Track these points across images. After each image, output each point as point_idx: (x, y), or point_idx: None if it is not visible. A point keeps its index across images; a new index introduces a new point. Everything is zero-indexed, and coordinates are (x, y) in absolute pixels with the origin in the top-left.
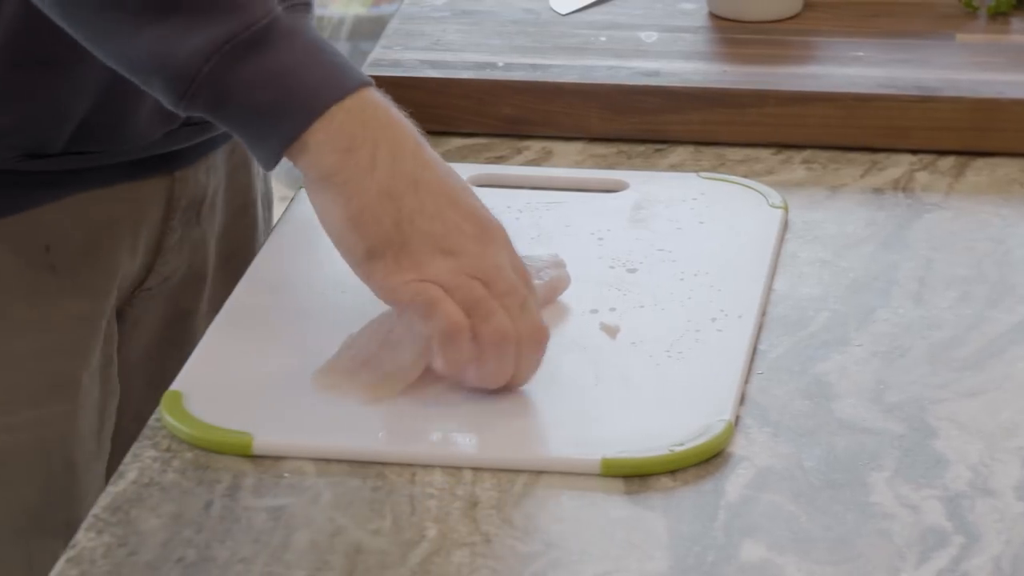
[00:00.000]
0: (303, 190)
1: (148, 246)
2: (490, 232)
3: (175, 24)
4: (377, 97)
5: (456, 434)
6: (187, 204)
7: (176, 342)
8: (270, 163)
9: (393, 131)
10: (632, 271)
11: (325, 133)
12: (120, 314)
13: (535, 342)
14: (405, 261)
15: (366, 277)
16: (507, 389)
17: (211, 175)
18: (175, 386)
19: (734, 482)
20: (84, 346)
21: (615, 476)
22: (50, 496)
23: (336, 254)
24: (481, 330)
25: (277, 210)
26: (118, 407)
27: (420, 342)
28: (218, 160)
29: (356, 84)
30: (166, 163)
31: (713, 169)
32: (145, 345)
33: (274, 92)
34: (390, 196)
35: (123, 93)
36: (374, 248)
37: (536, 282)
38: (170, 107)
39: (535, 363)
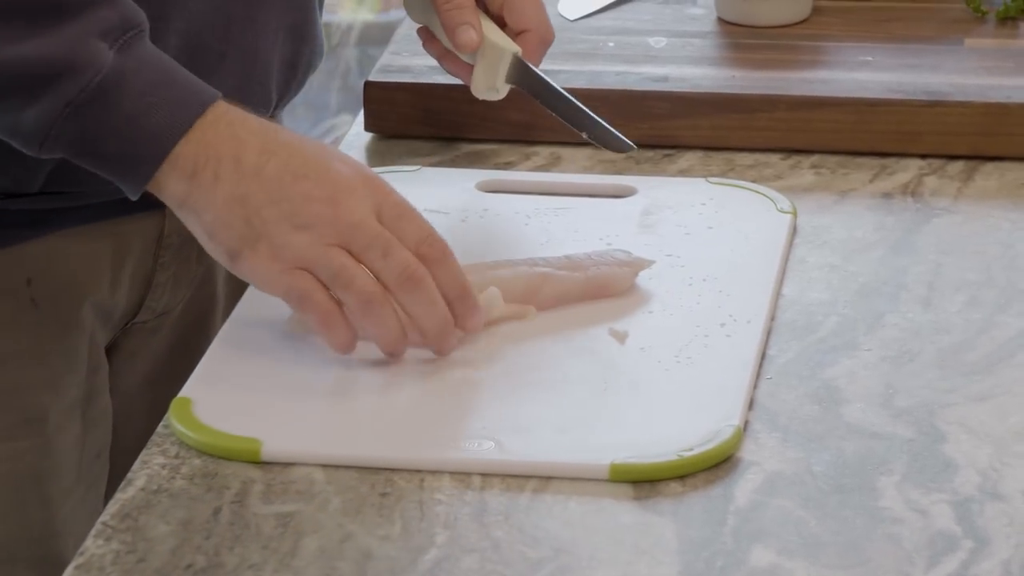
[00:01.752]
0: None
1: (136, 281)
2: (342, 190)
3: (12, 99)
4: (219, 111)
5: (465, 440)
6: (181, 242)
7: (181, 374)
8: (135, 196)
9: (235, 140)
10: (641, 276)
11: (171, 166)
12: (114, 346)
13: (408, 283)
14: (264, 251)
15: (241, 276)
16: (426, 342)
17: None
18: (184, 393)
19: (743, 487)
20: (58, 380)
21: (624, 481)
22: (24, 531)
23: None
24: (347, 299)
25: None
26: (117, 437)
27: None
28: None
29: (197, 110)
30: (156, 202)
31: (722, 174)
32: (145, 377)
33: (119, 144)
34: (236, 200)
35: None
36: (232, 250)
37: (592, 271)
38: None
39: (423, 303)
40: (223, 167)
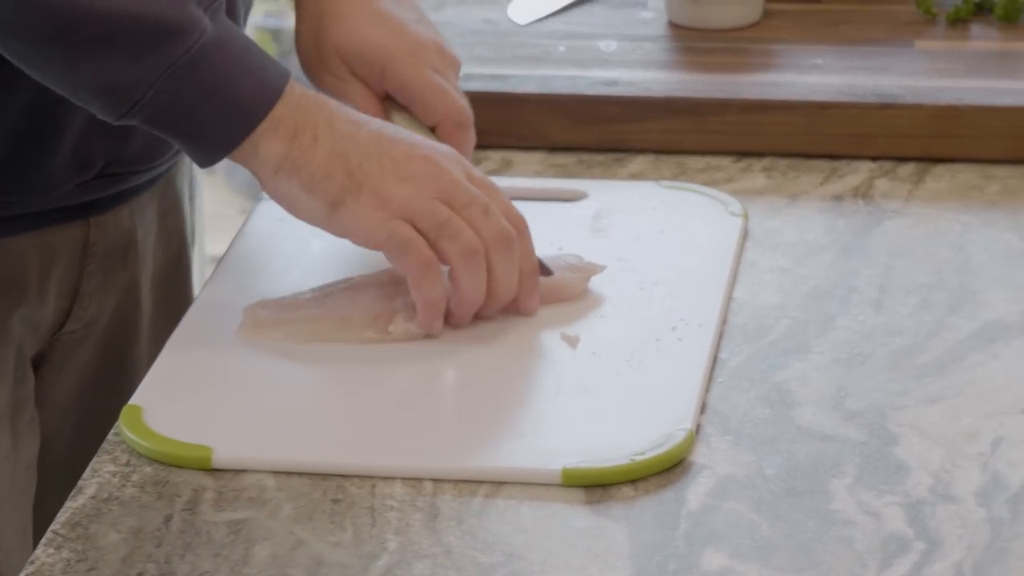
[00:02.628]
0: (261, 204)
1: (63, 291)
2: (438, 152)
3: (116, 55)
4: (299, 85)
5: (416, 445)
6: (107, 250)
7: (111, 384)
8: (209, 164)
9: (325, 110)
10: (592, 281)
11: (271, 128)
12: (42, 357)
13: (503, 244)
14: (367, 200)
15: (338, 229)
16: (491, 308)
17: (136, 220)
18: (134, 400)
19: (695, 491)
20: None
21: (576, 486)
22: None
23: (293, 268)
24: (451, 249)
25: (236, 221)
26: (45, 446)
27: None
28: (144, 204)
29: (285, 79)
30: (81, 212)
31: (673, 178)
32: (75, 387)
33: (215, 105)
34: (336, 155)
35: (31, 144)
36: (335, 200)
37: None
38: (104, 119)
39: (509, 267)
40: (320, 130)
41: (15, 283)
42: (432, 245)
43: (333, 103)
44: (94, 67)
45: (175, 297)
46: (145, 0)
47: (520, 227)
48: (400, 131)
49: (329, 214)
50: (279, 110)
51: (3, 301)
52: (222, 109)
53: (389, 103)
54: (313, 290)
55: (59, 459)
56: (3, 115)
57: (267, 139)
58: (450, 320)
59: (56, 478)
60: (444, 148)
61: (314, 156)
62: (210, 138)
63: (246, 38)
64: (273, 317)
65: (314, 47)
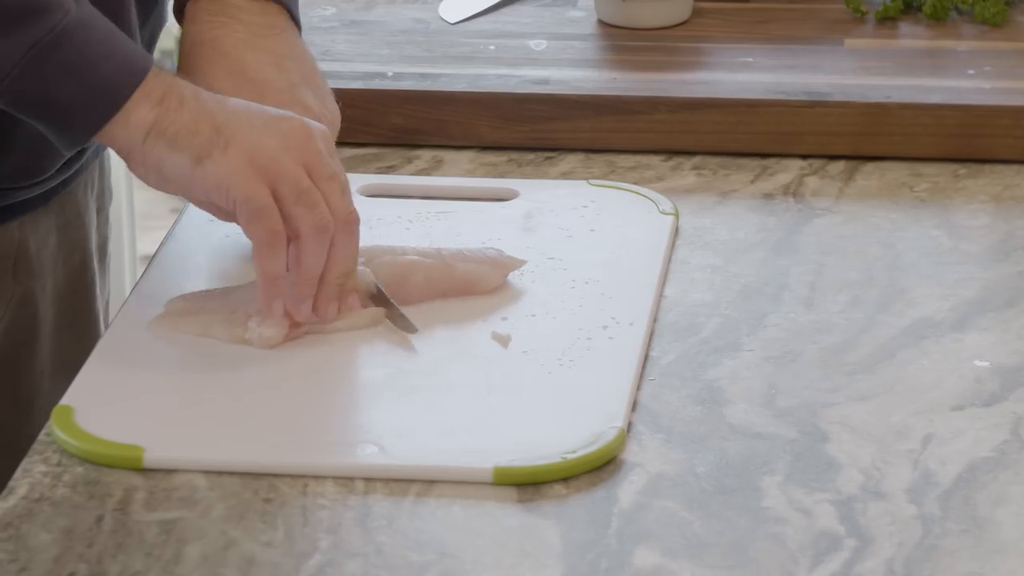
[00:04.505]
0: (192, 204)
1: None
2: (308, 124)
3: None
4: (167, 73)
5: (348, 444)
6: None
7: (10, 394)
8: (73, 146)
9: (191, 85)
10: (523, 279)
11: (143, 99)
12: None
13: (351, 226)
14: (234, 154)
15: (203, 184)
16: (322, 292)
17: (28, 232)
18: (65, 400)
19: (627, 489)
20: None
21: (507, 484)
22: None
23: (224, 267)
24: (305, 219)
25: (167, 222)
26: None
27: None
28: (38, 218)
29: (149, 62)
30: None
31: (603, 176)
32: None
33: (79, 85)
34: (204, 113)
35: None
36: (200, 153)
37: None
38: None
39: (349, 251)
40: (187, 96)
41: None
42: (287, 211)
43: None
44: None
45: (79, 309)
46: None
47: (356, 222)
48: (267, 107)
49: (194, 168)
50: (148, 81)
51: None
52: (85, 90)
53: None
54: (229, 286)
55: None
56: None
57: (138, 106)
58: (288, 310)
59: None
60: (315, 122)
61: (180, 116)
62: (74, 119)
63: (111, 24)
64: (183, 308)
65: None
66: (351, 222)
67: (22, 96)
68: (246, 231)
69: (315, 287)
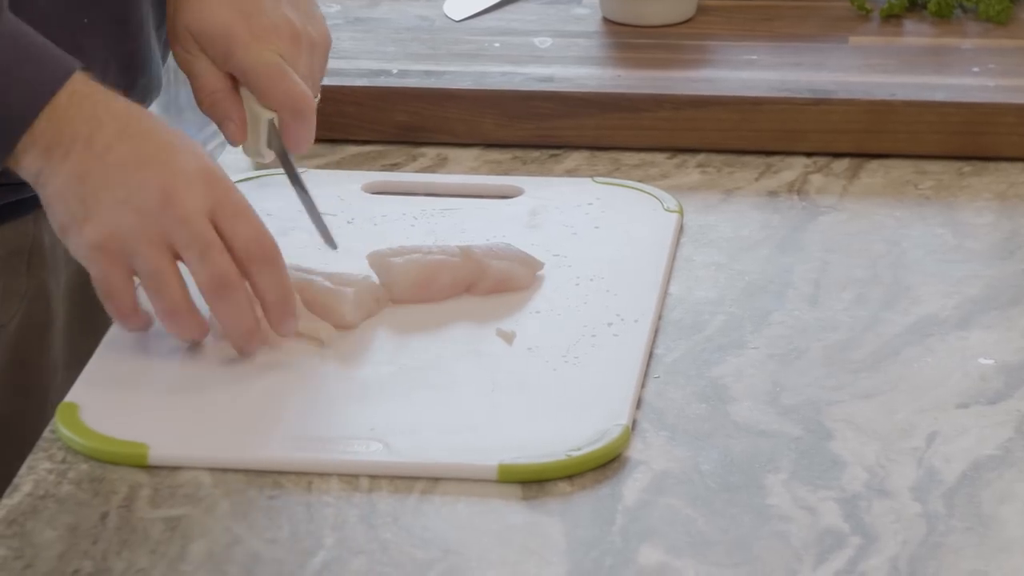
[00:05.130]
0: None
1: None
2: (181, 183)
3: None
4: (80, 87)
5: (353, 441)
6: (7, 254)
7: (20, 391)
8: None
9: (94, 121)
10: None
11: (31, 141)
12: None
13: (219, 289)
14: (90, 232)
15: (69, 249)
16: (236, 346)
17: (43, 227)
18: (70, 398)
19: (631, 486)
20: None
21: (512, 482)
22: None
23: None
24: (156, 305)
25: None
26: None
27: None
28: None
29: (53, 87)
30: None
31: (608, 174)
32: None
33: None
34: (77, 177)
35: None
36: (63, 225)
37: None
38: None
39: (231, 309)
40: (75, 146)
41: None
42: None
43: (111, 109)
44: None
45: (93, 304)
46: None
47: (268, 255)
48: (160, 151)
49: (61, 235)
50: (41, 123)
51: None
52: None
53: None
54: None
55: None
56: None
57: (26, 155)
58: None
59: None
60: (197, 169)
61: (58, 174)
62: None
63: (17, 42)
64: None
65: (169, 22)
66: (218, 285)
67: None
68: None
69: (249, 327)
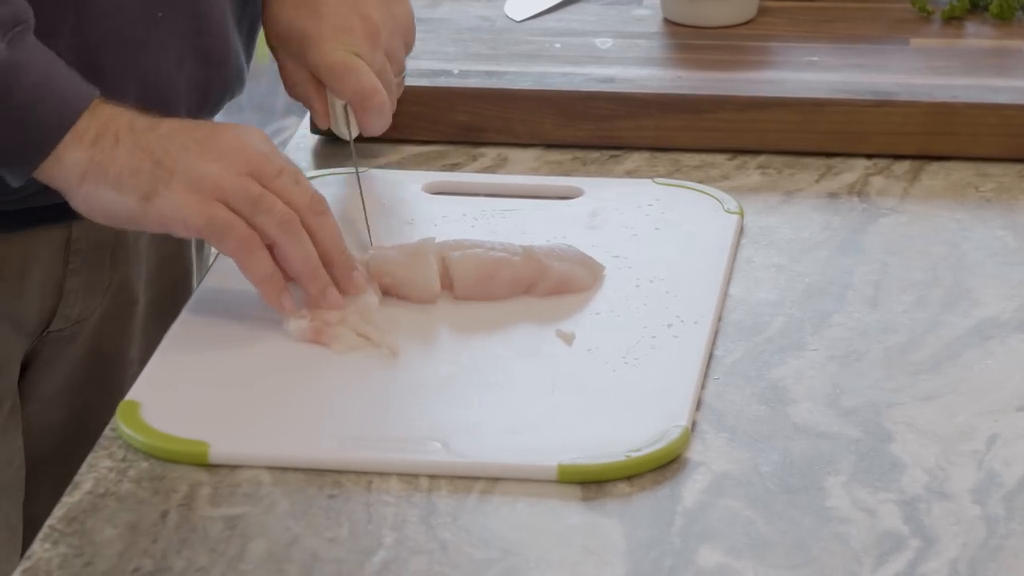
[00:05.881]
0: None
1: (46, 289)
2: (239, 129)
3: None
4: (107, 104)
5: (413, 442)
6: (91, 248)
7: (100, 381)
8: (17, 183)
9: (127, 115)
10: None
11: (74, 141)
12: (32, 354)
13: (319, 207)
14: (179, 186)
15: (156, 220)
16: (334, 272)
17: None
18: (131, 396)
19: (691, 488)
20: None
21: (572, 483)
22: None
23: None
24: (268, 223)
25: None
26: (35, 443)
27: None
28: None
29: (87, 99)
30: (62, 213)
31: (668, 175)
32: (65, 384)
33: (12, 131)
34: (140, 148)
35: None
36: (146, 191)
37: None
38: None
39: (329, 230)
40: (121, 131)
41: None
42: (249, 222)
43: (132, 112)
44: None
45: (172, 296)
46: None
47: (326, 208)
48: (201, 121)
49: (144, 207)
50: (80, 123)
51: None
52: (16, 133)
53: None
54: None
55: (49, 456)
56: None
57: (68, 150)
58: (311, 300)
59: (46, 475)
60: (246, 126)
61: (118, 155)
62: (13, 161)
63: (49, 61)
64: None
65: (264, 24)
66: (316, 205)
67: None
68: (219, 249)
69: (322, 275)
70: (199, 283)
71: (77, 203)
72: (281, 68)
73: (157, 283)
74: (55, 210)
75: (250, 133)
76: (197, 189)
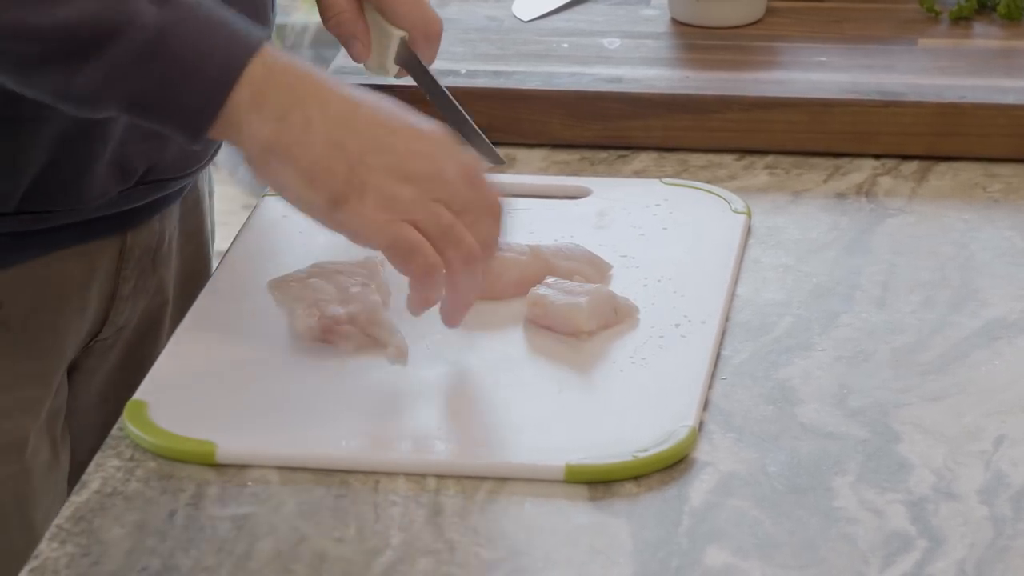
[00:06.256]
0: (265, 200)
1: (101, 299)
2: (435, 143)
3: (58, 67)
4: (278, 52)
5: (420, 441)
6: (141, 252)
7: (132, 386)
8: (193, 143)
9: (313, 85)
10: None
11: (254, 112)
12: (75, 365)
13: (493, 249)
14: (371, 201)
15: (338, 227)
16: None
17: (166, 222)
18: (139, 395)
19: (698, 488)
20: (33, 404)
21: (579, 482)
22: (9, 558)
23: (297, 263)
24: (454, 256)
25: (240, 217)
26: (72, 453)
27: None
28: (172, 206)
29: (252, 51)
30: (119, 222)
31: (676, 175)
32: (100, 392)
33: (177, 91)
34: (335, 144)
35: (77, 151)
36: (337, 197)
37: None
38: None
39: (495, 268)
40: (311, 112)
41: (58, 296)
42: (436, 248)
43: (321, 76)
44: (46, 80)
45: (194, 295)
46: (79, 4)
47: (499, 213)
48: (393, 113)
49: (331, 210)
50: (257, 86)
51: (47, 314)
52: (184, 95)
53: (367, 2)
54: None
55: (83, 464)
56: (46, 121)
57: (250, 120)
58: (444, 318)
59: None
60: (439, 137)
61: (311, 144)
62: (183, 122)
63: (210, 14)
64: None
65: None
66: (493, 245)
67: (126, 109)
68: (399, 270)
69: (469, 307)
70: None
71: (259, 175)
72: None
73: (185, 283)
74: (112, 220)
75: (444, 152)
76: (388, 208)
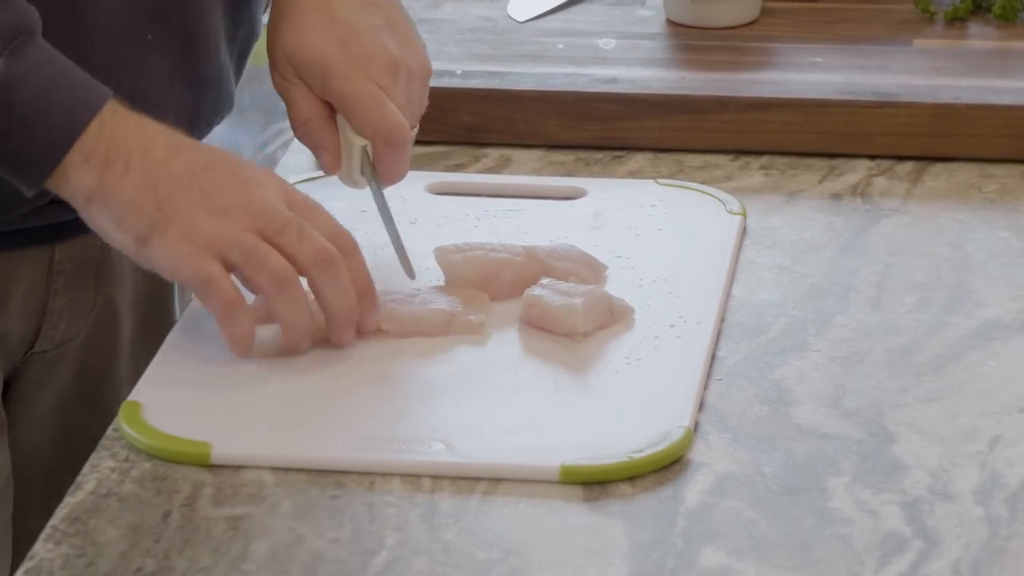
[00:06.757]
0: None
1: (28, 310)
2: (252, 180)
3: None
4: (119, 108)
5: (415, 442)
6: (75, 269)
7: (88, 401)
8: (32, 192)
9: (143, 136)
10: None
11: (82, 158)
12: (17, 375)
13: (325, 263)
14: (174, 235)
15: (147, 262)
16: (336, 329)
17: None
18: (133, 396)
19: (693, 488)
20: None
21: (574, 483)
22: None
23: None
24: (260, 278)
25: None
26: (25, 461)
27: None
28: None
29: (95, 106)
30: (44, 234)
31: (671, 176)
32: (54, 404)
33: (17, 144)
34: (146, 186)
35: None
36: (141, 235)
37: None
38: None
39: (336, 286)
40: (134, 158)
41: None
42: (244, 277)
43: (155, 127)
44: None
45: (157, 316)
46: None
47: (348, 247)
48: (217, 157)
49: (139, 248)
50: (88, 140)
51: None
52: (22, 147)
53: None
54: None
55: (39, 472)
56: None
57: (77, 169)
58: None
59: (36, 490)
60: (259, 170)
61: (123, 188)
62: (19, 175)
63: (55, 68)
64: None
65: (269, 47)
66: (323, 259)
67: None
68: (203, 305)
69: (305, 335)
70: (182, 301)
71: (86, 221)
72: (290, 104)
73: (143, 302)
74: (39, 232)
75: (261, 184)
76: (190, 241)
